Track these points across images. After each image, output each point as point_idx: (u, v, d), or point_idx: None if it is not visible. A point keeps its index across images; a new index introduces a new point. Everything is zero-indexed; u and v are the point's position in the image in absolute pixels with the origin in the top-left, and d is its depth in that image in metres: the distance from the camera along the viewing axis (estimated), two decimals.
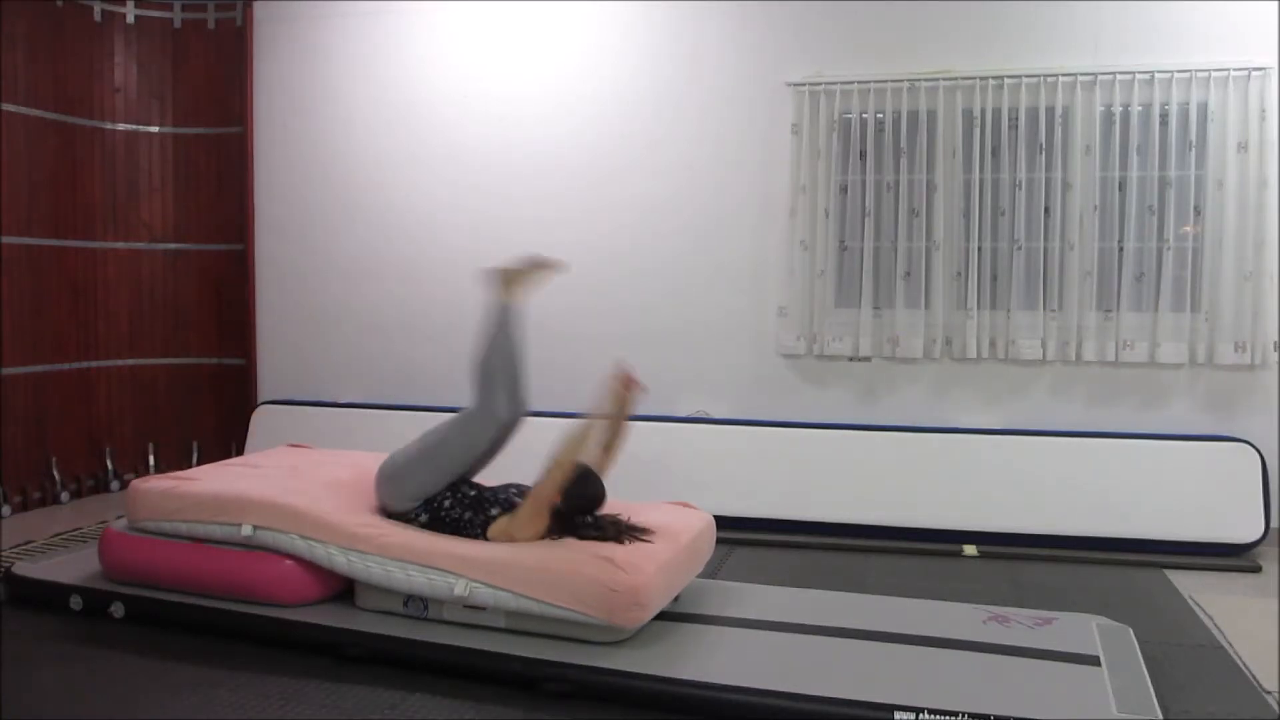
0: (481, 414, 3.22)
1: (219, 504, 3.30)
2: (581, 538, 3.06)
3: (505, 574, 2.94)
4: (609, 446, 3.35)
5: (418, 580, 3.02)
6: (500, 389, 3.20)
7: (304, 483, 3.46)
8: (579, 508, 3.12)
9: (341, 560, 3.13)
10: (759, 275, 4.97)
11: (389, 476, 3.28)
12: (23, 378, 5.06)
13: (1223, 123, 4.42)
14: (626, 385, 3.29)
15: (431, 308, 5.42)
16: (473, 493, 3.25)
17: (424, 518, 3.22)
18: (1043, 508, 4.43)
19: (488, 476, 3.40)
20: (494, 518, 3.14)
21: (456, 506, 3.19)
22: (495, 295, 3.30)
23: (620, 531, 3.08)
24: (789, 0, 4.88)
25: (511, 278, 3.32)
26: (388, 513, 3.29)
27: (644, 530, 3.12)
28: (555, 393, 5.18)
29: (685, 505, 3.57)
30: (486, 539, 3.11)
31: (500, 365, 3.22)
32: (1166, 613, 3.55)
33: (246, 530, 3.22)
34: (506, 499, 3.21)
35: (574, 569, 2.89)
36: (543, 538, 3.09)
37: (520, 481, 3.29)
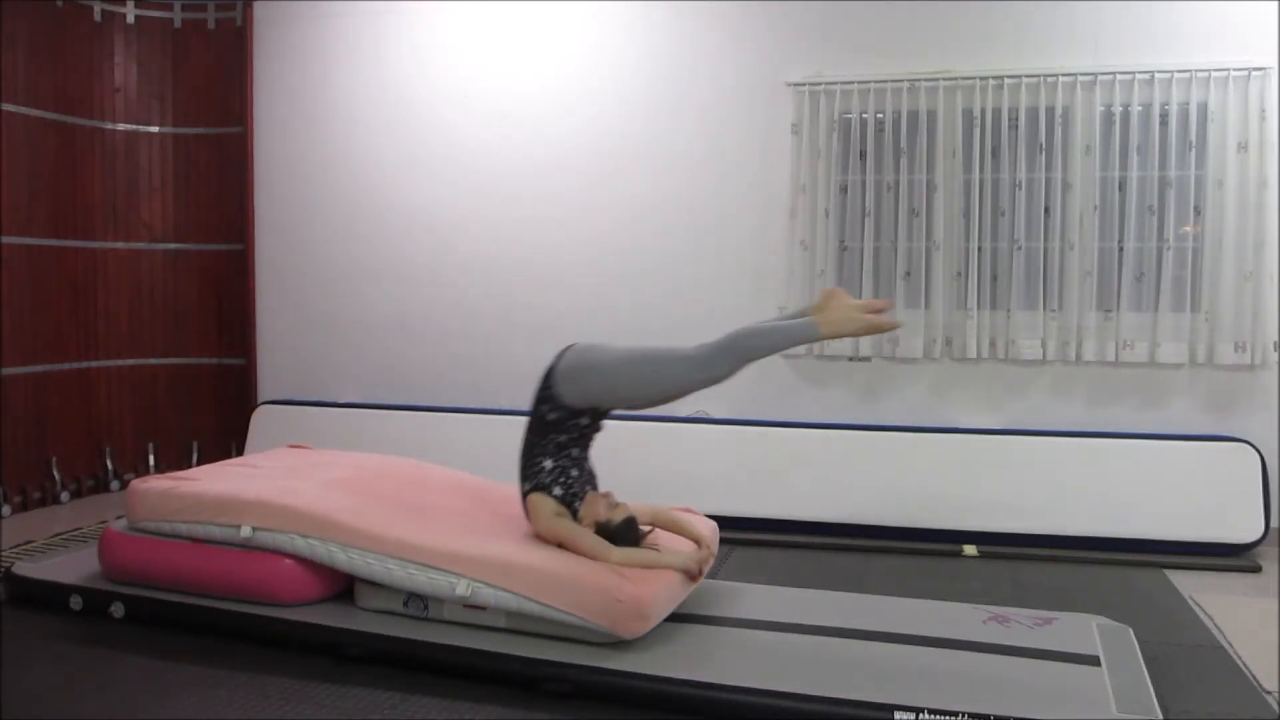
0: (711, 367, 2.97)
1: (218, 504, 3.30)
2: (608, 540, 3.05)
3: (508, 575, 2.93)
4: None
5: (419, 579, 3.01)
6: (736, 366, 2.98)
7: (303, 482, 3.45)
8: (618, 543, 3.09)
9: (342, 558, 3.12)
10: (759, 275, 4.97)
11: (584, 365, 3.10)
12: (23, 378, 5.06)
13: (1223, 123, 4.43)
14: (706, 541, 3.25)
15: (432, 308, 5.42)
16: (576, 453, 3.17)
17: (554, 416, 3.10)
18: (1043, 508, 4.43)
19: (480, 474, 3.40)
20: (550, 494, 3.09)
21: (555, 450, 3.12)
22: (826, 321, 2.93)
23: (637, 538, 3.07)
24: (789, 0, 4.89)
25: (845, 324, 2.95)
26: (546, 389, 3.12)
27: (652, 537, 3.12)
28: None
29: (688, 511, 3.56)
30: (524, 492, 3.11)
31: (755, 355, 3.00)
32: (1166, 613, 3.55)
33: (246, 531, 3.21)
34: (572, 494, 3.12)
35: (579, 575, 2.88)
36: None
37: (597, 480, 3.26)
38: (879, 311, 2.98)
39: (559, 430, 3.14)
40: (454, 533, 3.18)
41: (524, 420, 3.23)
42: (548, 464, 3.13)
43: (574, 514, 3.11)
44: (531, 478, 3.14)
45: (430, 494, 3.57)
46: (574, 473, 3.17)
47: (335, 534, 3.14)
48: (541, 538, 3.11)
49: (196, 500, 3.34)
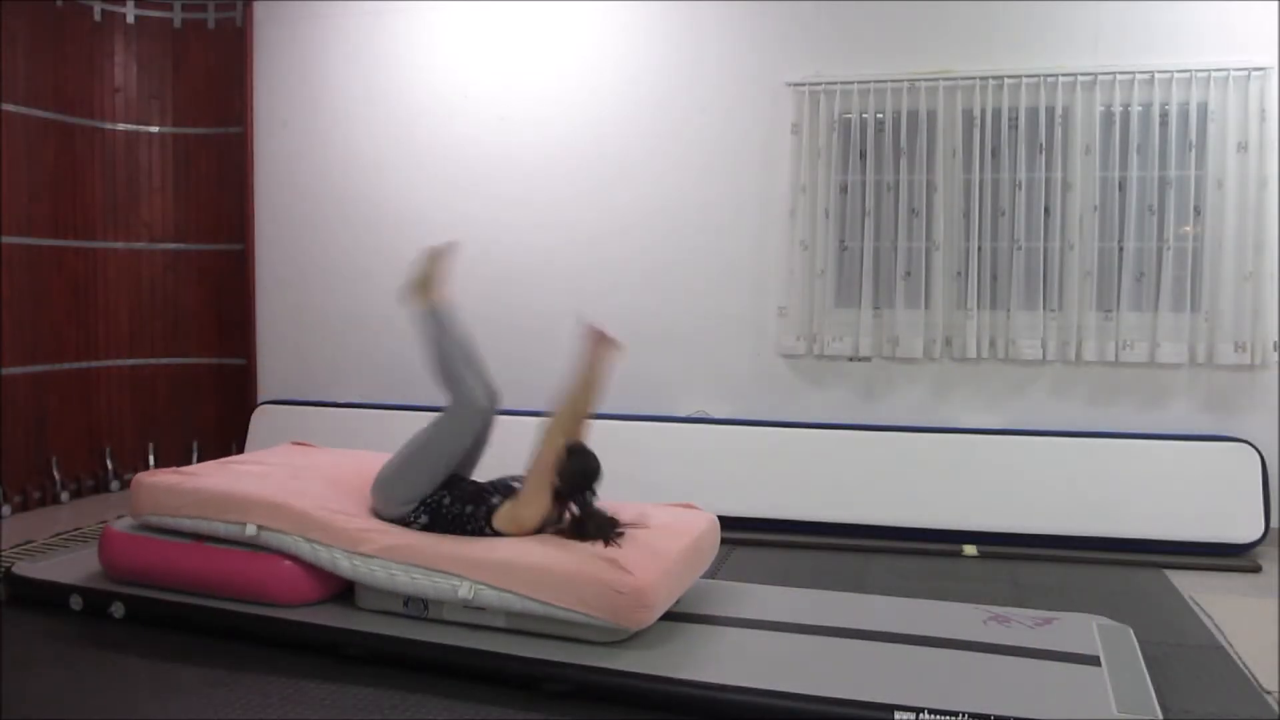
0: (460, 407, 3.24)
1: (223, 502, 3.30)
2: (578, 535, 3.05)
3: (510, 575, 2.93)
4: (579, 413, 3.27)
5: (422, 583, 3.01)
6: (468, 379, 3.25)
7: (308, 483, 3.45)
8: (579, 484, 3.11)
9: (346, 564, 3.12)
10: (759, 275, 4.97)
11: (381, 485, 3.27)
12: (23, 378, 5.06)
13: (1223, 123, 4.43)
14: (598, 342, 3.25)
15: None
16: (471, 488, 3.25)
17: (424, 519, 3.21)
18: (1043, 508, 4.43)
19: (480, 474, 3.40)
20: (496, 505, 3.14)
21: (456, 502, 3.19)
22: (417, 304, 3.37)
23: (609, 531, 3.06)
24: (789, 0, 4.89)
25: (422, 283, 3.37)
26: (393, 522, 3.26)
27: (631, 525, 3.11)
28: (555, 395, 5.18)
29: (689, 506, 3.56)
30: (493, 528, 3.11)
31: (459, 358, 3.28)
32: (1166, 613, 3.55)
33: (251, 530, 3.21)
34: (506, 487, 3.22)
35: (579, 571, 2.88)
36: (548, 519, 3.10)
37: (515, 473, 3.29)
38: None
39: (440, 510, 3.18)
40: (455, 535, 3.18)
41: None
42: (469, 509, 3.16)
43: (509, 493, 3.18)
44: (480, 524, 3.14)
45: None
46: (485, 484, 3.26)
47: (339, 539, 3.14)
48: (541, 516, 3.10)
49: (202, 496, 3.34)
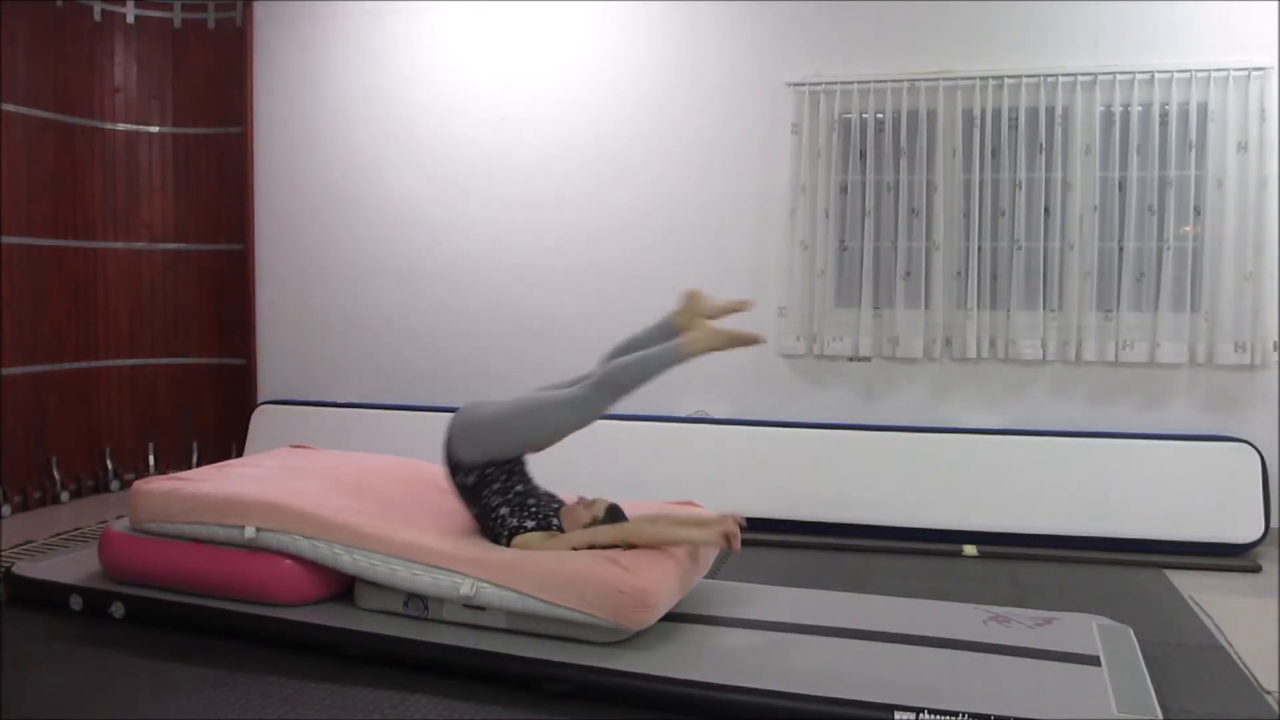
0: (589, 406, 3.11)
1: (222, 506, 3.30)
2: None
3: (512, 574, 2.93)
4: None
5: (423, 579, 3.01)
6: (611, 402, 3.11)
7: (306, 483, 3.45)
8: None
9: (346, 559, 3.12)
10: (759, 275, 4.97)
11: (472, 423, 3.17)
12: (23, 378, 5.06)
13: (1223, 123, 4.43)
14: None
15: (431, 308, 5.42)
16: (519, 488, 3.20)
17: (471, 479, 3.17)
18: (1043, 508, 4.43)
19: None
20: (525, 530, 3.10)
21: (498, 496, 3.15)
22: (689, 343, 3.07)
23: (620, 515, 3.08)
24: (789, 0, 4.89)
25: (710, 342, 3.08)
26: (450, 459, 3.20)
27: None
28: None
29: (691, 505, 3.56)
30: (508, 543, 3.09)
31: (628, 388, 3.10)
32: (1166, 613, 3.55)
33: (250, 533, 3.21)
34: (544, 517, 3.14)
35: (581, 570, 2.88)
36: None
37: (557, 495, 3.26)
38: (739, 310, 3.15)
39: (487, 486, 3.16)
40: (456, 533, 3.19)
41: None
42: (504, 511, 3.14)
43: (545, 525, 3.11)
44: (502, 530, 3.12)
45: (431, 494, 3.57)
46: (530, 501, 3.18)
47: (339, 535, 3.14)
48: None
49: (200, 501, 3.34)
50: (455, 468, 3.20)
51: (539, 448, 3.24)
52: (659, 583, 2.89)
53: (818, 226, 4.83)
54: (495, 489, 3.17)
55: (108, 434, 5.56)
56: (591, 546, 3.02)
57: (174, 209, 5.71)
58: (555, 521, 3.13)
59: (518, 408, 3.18)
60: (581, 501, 3.18)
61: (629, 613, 2.82)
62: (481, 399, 3.29)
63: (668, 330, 3.19)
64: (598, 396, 3.09)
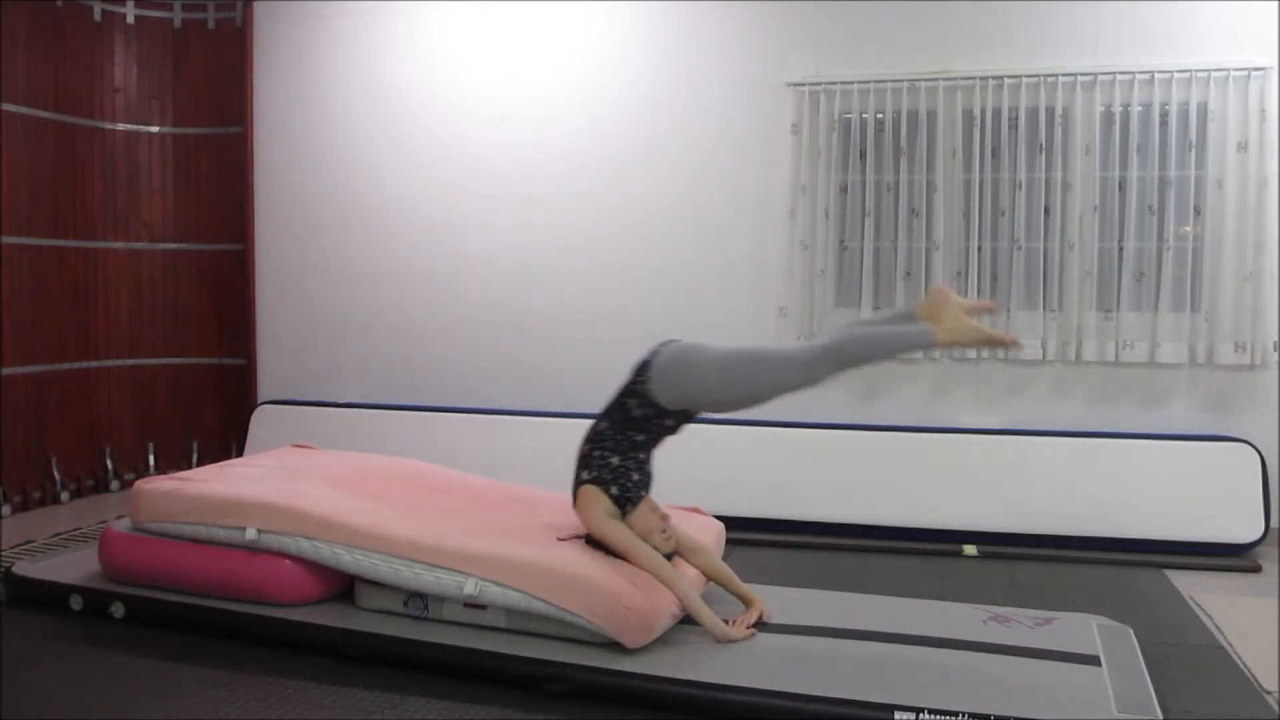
0: (812, 370, 2.84)
1: (223, 506, 3.30)
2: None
3: (515, 574, 2.92)
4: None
5: (425, 579, 3.00)
6: (838, 371, 2.84)
7: (307, 483, 3.45)
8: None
9: (348, 559, 3.12)
10: (759, 275, 4.97)
11: (685, 361, 2.94)
12: (23, 378, 5.06)
13: (1223, 123, 4.43)
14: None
15: (432, 308, 5.42)
16: (641, 455, 3.04)
17: (637, 412, 2.95)
18: (1043, 508, 4.42)
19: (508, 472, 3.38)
20: (608, 493, 2.97)
21: (623, 445, 2.99)
22: (944, 331, 2.83)
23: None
24: (789, 0, 4.89)
25: (963, 335, 2.85)
26: (635, 380, 2.97)
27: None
28: (555, 396, 5.20)
29: (695, 511, 3.55)
30: (575, 484, 2.99)
31: (863, 361, 2.90)
32: (1166, 613, 3.55)
33: (251, 534, 3.21)
34: (629, 498, 3.01)
35: (591, 577, 2.86)
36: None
37: (653, 495, 3.13)
38: (988, 311, 2.90)
39: (639, 428, 3.00)
40: (459, 532, 3.18)
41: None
42: (614, 460, 2.99)
43: (623, 517, 3.01)
44: (592, 468, 2.99)
45: (433, 494, 3.57)
46: (635, 476, 3.02)
47: (340, 535, 3.14)
48: (588, 530, 3.02)
49: (201, 502, 3.34)
50: (636, 393, 2.95)
51: (740, 406, 3.00)
52: (664, 607, 2.89)
53: (818, 226, 4.83)
54: (637, 439, 3.00)
55: (108, 434, 5.56)
56: (622, 556, 2.95)
57: (174, 209, 5.71)
58: (628, 509, 3.00)
59: (739, 356, 2.94)
60: (663, 519, 3.05)
61: (630, 630, 2.81)
62: (694, 341, 3.02)
63: (908, 319, 2.95)
64: (825, 363, 2.82)
